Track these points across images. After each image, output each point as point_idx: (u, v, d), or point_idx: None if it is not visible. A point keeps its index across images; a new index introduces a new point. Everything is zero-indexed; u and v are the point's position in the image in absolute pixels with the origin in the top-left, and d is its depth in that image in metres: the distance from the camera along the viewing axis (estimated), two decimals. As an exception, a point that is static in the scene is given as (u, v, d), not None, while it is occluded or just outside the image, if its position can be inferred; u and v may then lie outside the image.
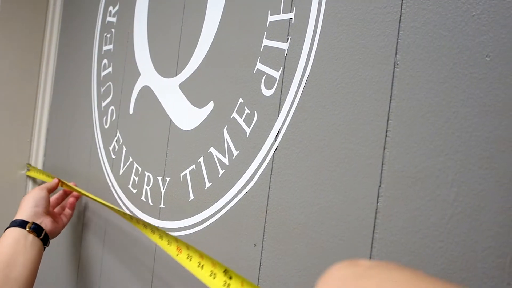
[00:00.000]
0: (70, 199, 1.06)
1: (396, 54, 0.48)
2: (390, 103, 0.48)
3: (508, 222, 0.39)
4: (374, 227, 0.48)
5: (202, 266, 0.58)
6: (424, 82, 0.45)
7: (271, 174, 0.60)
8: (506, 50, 0.40)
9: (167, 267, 0.80)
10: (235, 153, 0.66)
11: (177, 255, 0.63)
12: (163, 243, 0.67)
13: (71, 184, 1.04)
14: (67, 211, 1.04)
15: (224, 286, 0.53)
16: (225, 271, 0.55)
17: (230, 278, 0.53)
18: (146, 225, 0.72)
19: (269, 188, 0.60)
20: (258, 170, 0.62)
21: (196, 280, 0.59)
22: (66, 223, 1.02)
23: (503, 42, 0.40)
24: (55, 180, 1.03)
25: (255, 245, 0.61)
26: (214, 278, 0.55)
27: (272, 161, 0.60)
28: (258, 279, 0.60)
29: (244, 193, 0.64)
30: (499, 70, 0.40)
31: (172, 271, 0.78)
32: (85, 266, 1.10)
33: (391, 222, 0.47)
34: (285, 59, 0.60)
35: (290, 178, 0.58)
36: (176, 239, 0.65)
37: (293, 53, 0.59)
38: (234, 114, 0.67)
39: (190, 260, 0.60)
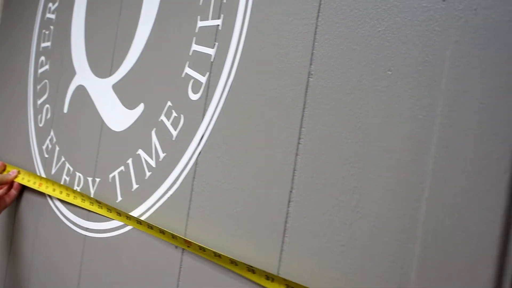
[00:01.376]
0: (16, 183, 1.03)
1: (311, 64, 0.50)
2: (303, 111, 0.49)
3: (402, 229, 0.41)
4: (284, 231, 0.49)
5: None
6: (334, 93, 0.47)
7: (193, 178, 0.61)
8: (406, 65, 0.42)
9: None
10: (161, 155, 0.67)
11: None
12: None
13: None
14: (12, 191, 1.02)
15: None
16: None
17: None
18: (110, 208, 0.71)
19: (192, 191, 0.61)
20: (182, 173, 0.62)
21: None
22: (9, 204, 1.00)
23: (403, 58, 0.42)
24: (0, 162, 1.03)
25: (176, 247, 0.61)
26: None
27: (196, 165, 0.61)
28: (178, 281, 0.61)
29: (168, 196, 0.64)
30: (398, 84, 0.42)
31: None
32: (17, 249, 1.06)
33: (300, 227, 0.48)
34: (211, 64, 0.61)
35: (211, 182, 0.58)
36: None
37: (219, 59, 0.60)
38: (163, 117, 0.67)
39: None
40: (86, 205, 0.79)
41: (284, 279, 0.47)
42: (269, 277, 0.48)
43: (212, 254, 0.54)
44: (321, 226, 0.46)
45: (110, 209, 0.73)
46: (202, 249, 0.55)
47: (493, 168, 0.35)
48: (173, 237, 0.60)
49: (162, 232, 0.62)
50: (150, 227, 0.64)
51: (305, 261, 0.47)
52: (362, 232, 0.43)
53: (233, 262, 0.52)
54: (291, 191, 0.49)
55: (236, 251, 0.54)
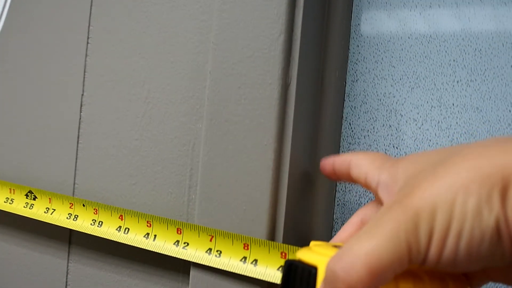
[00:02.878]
0: None
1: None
2: (90, 9, 0.46)
3: (190, 110, 0.40)
4: (78, 137, 0.46)
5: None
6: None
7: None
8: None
9: None
10: None
11: None
12: None
13: None
14: None
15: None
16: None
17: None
18: None
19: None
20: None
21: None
22: None
23: None
24: None
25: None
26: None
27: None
28: None
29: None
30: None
31: None
32: None
33: (93, 131, 0.45)
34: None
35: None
36: None
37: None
38: None
39: None
40: None
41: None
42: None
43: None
44: (114, 124, 0.44)
45: None
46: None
47: (268, 33, 0.36)
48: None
49: None
50: None
51: (100, 165, 0.45)
52: (154, 121, 0.42)
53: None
54: (82, 94, 0.46)
55: (31, 168, 0.49)
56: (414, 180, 0.23)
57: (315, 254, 0.28)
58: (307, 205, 0.40)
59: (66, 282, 0.47)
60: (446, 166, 0.22)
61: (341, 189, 0.42)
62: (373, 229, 0.22)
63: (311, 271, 0.26)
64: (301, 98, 0.37)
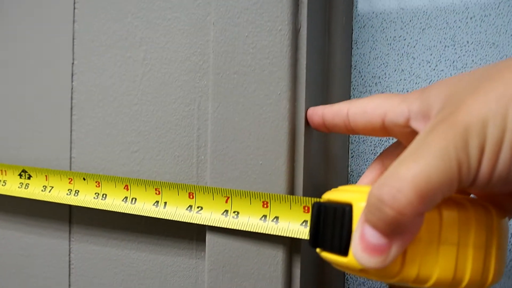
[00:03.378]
0: None
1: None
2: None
3: (194, 67, 0.38)
4: (71, 108, 0.43)
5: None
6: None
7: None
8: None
9: None
10: None
11: None
12: None
13: None
14: None
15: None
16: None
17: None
18: None
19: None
20: None
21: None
22: None
23: None
24: None
25: None
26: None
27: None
28: None
29: None
30: None
31: None
32: None
33: (88, 98, 0.42)
34: None
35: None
36: None
37: None
38: None
39: None
40: None
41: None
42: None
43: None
44: (110, 90, 0.41)
45: None
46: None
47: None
48: None
49: None
50: None
51: (98, 135, 0.42)
52: (154, 84, 0.40)
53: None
54: (73, 63, 0.43)
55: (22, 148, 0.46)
56: (456, 98, 0.22)
57: (346, 192, 0.26)
58: (322, 157, 0.39)
59: (69, 261, 0.44)
60: (492, 79, 0.21)
61: (355, 140, 0.40)
62: (418, 150, 0.21)
63: (345, 209, 0.25)
64: (312, 45, 0.35)
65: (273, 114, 0.34)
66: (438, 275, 0.23)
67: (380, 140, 0.39)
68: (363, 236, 0.22)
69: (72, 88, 0.43)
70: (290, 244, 0.35)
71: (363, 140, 0.40)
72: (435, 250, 0.22)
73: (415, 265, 0.23)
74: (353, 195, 0.25)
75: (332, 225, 0.26)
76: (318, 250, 0.27)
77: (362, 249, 0.22)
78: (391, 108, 0.27)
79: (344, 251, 0.24)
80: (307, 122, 0.34)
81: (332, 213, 0.26)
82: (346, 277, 0.42)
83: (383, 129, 0.28)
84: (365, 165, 0.39)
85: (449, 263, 0.22)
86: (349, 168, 0.40)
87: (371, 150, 0.39)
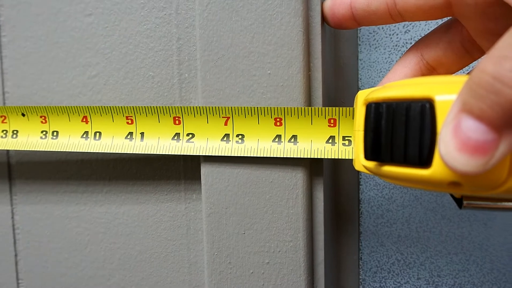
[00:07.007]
0: None
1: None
2: None
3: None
4: None
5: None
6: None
7: None
8: None
9: None
10: None
11: None
12: None
13: None
14: None
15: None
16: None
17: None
18: None
19: None
20: None
21: None
22: None
23: None
24: None
25: None
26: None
27: None
28: None
29: None
30: None
31: None
32: None
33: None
34: None
35: None
36: None
37: None
38: None
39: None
40: None
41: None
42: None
43: None
44: (51, 2, 0.31)
45: None
46: None
47: None
48: None
49: None
50: None
51: (39, 60, 0.32)
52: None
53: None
54: None
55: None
56: None
57: (413, 86, 0.19)
58: (333, 67, 0.32)
59: (13, 225, 0.34)
60: None
61: (364, 49, 0.34)
62: None
63: (424, 105, 0.18)
64: None
65: (283, 8, 0.27)
66: None
67: (396, 46, 0.33)
68: (460, 131, 0.16)
69: (-4, 0, 0.32)
70: (310, 168, 0.28)
71: (375, 47, 0.34)
72: None
73: None
74: (431, 86, 0.18)
75: (404, 129, 0.19)
76: (375, 164, 0.21)
77: (459, 148, 0.16)
78: None
79: (425, 161, 0.18)
80: (323, 19, 0.28)
81: (402, 114, 0.19)
82: (359, 197, 0.36)
83: (448, 4, 0.22)
84: (378, 76, 0.34)
85: None
86: (359, 82, 0.34)
87: (386, 58, 0.34)
